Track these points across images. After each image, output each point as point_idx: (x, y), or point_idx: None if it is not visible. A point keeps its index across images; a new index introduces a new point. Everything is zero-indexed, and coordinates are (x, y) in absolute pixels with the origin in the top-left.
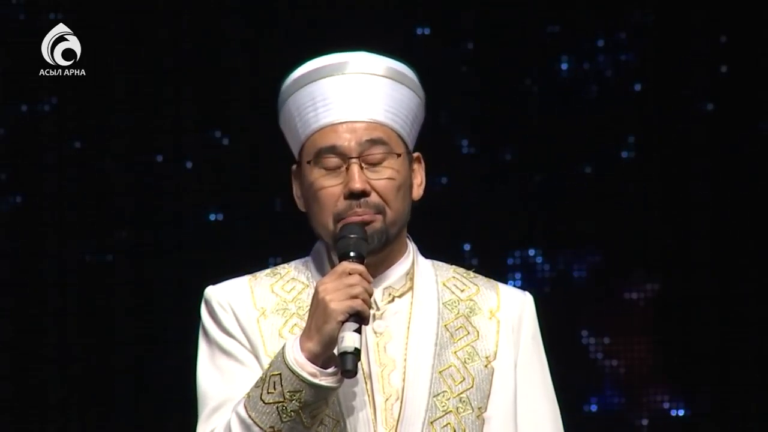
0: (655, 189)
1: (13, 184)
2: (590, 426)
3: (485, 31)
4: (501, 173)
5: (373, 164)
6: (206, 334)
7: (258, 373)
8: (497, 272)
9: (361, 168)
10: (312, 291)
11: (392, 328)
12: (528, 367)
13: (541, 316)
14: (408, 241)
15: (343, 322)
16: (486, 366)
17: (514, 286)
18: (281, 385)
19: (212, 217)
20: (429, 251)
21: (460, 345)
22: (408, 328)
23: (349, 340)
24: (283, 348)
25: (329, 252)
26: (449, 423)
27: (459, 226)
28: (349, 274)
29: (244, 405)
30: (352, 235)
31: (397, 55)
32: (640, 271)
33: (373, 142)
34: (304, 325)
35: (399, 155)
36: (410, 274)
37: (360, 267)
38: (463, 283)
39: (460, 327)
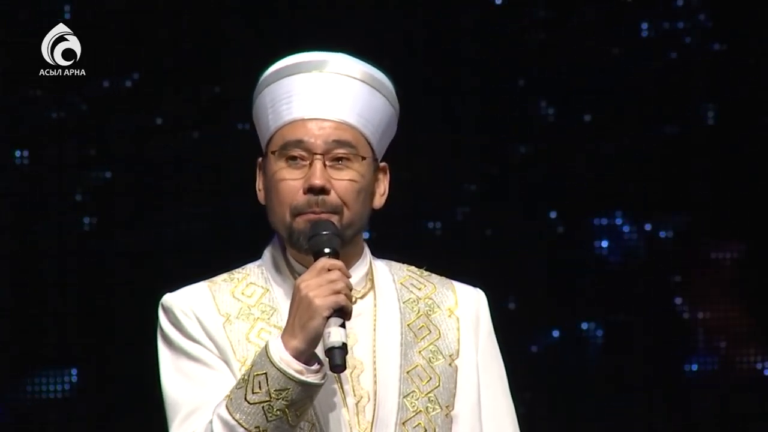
0: (738, 149)
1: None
2: (686, 389)
3: None
4: (584, 138)
5: (337, 164)
6: (169, 342)
7: (229, 377)
8: (584, 237)
9: (325, 166)
10: (272, 294)
11: (357, 330)
12: (487, 363)
13: (629, 282)
14: (363, 243)
15: (327, 318)
16: (450, 364)
17: (604, 245)
18: (267, 384)
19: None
20: (514, 220)
21: (423, 344)
22: (374, 329)
23: (336, 335)
24: (266, 347)
25: (285, 252)
26: (420, 423)
27: (543, 193)
28: (329, 270)
29: (227, 407)
30: (324, 232)
31: (472, 27)
32: (729, 232)
33: (340, 143)
34: (270, 329)
35: (364, 158)
36: (369, 275)
37: (339, 263)
38: (420, 282)
39: (422, 326)
